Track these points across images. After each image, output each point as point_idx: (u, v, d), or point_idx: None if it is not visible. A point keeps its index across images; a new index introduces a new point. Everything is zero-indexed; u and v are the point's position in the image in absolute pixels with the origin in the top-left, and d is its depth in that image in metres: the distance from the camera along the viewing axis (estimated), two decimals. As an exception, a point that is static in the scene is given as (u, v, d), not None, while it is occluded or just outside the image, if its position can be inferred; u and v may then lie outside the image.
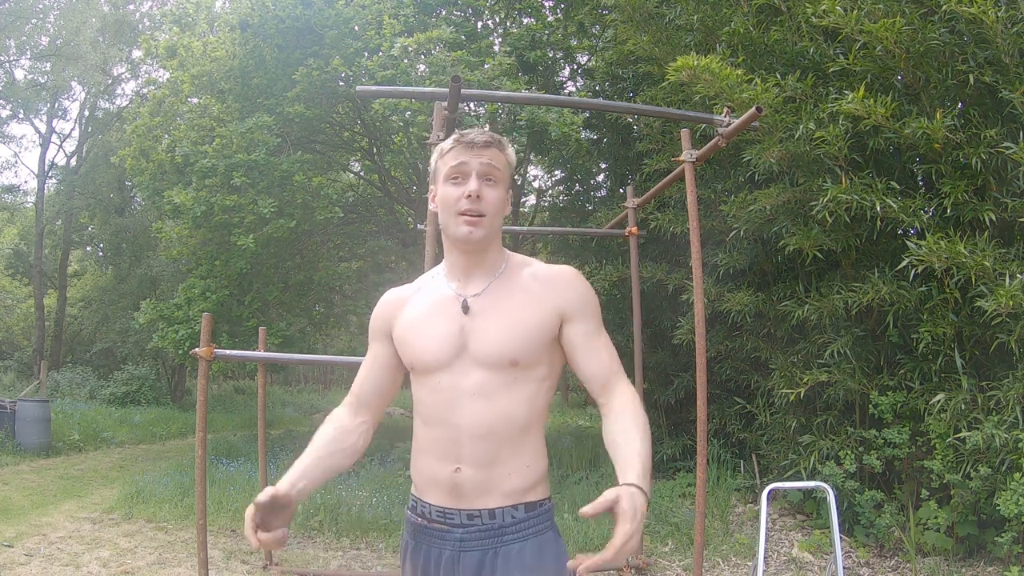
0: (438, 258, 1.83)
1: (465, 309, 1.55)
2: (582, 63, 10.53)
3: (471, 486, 1.51)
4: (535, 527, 1.52)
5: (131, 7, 19.20)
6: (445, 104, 3.49)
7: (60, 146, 21.65)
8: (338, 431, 1.61)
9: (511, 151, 1.60)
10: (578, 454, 8.04)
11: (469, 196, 1.49)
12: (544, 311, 1.54)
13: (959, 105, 4.76)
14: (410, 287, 1.68)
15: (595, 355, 1.55)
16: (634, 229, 5.09)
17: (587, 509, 1.24)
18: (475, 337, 1.52)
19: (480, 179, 1.51)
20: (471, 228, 1.50)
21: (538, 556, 1.50)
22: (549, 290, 1.56)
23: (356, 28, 8.59)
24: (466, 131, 1.55)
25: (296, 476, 1.46)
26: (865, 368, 5.24)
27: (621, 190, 6.31)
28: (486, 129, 1.58)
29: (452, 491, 1.52)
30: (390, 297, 1.68)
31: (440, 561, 1.53)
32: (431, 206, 1.62)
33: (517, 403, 1.51)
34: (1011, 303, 4.02)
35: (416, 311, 1.60)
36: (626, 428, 1.46)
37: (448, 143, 1.56)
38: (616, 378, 1.55)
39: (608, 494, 1.26)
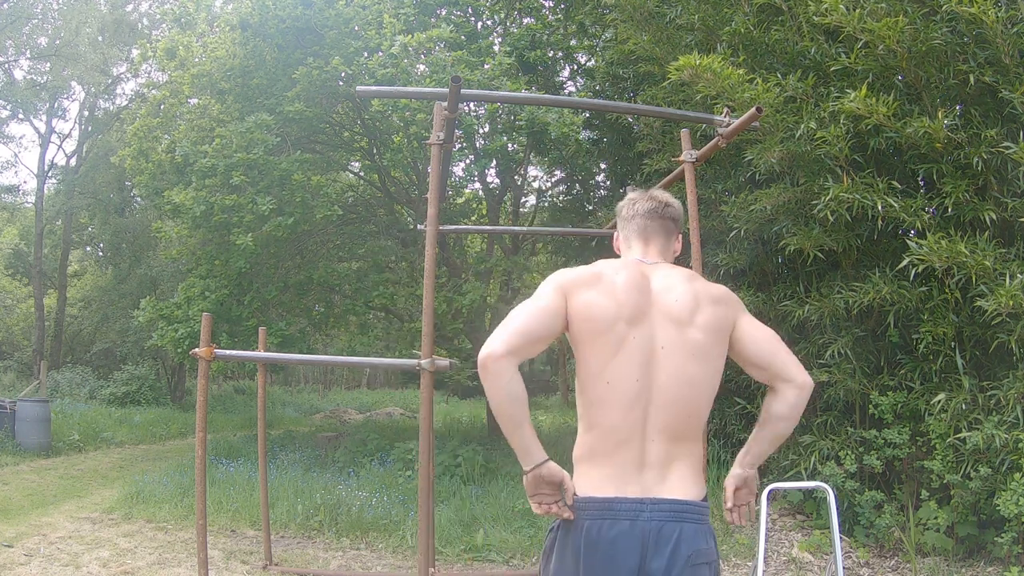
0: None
1: None
2: (582, 63, 10.52)
3: None
4: None
5: (129, 7, 19.18)
6: (445, 104, 3.49)
7: (60, 146, 21.69)
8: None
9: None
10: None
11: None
12: None
13: (959, 105, 4.76)
14: None
15: None
16: (634, 229, 5.07)
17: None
18: None
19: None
20: None
21: None
22: None
23: (356, 28, 8.58)
24: (652, 194, 1.91)
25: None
26: (865, 368, 5.24)
27: (621, 190, 6.30)
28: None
29: None
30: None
31: None
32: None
33: None
34: (1011, 303, 4.02)
35: None
36: None
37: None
38: None
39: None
